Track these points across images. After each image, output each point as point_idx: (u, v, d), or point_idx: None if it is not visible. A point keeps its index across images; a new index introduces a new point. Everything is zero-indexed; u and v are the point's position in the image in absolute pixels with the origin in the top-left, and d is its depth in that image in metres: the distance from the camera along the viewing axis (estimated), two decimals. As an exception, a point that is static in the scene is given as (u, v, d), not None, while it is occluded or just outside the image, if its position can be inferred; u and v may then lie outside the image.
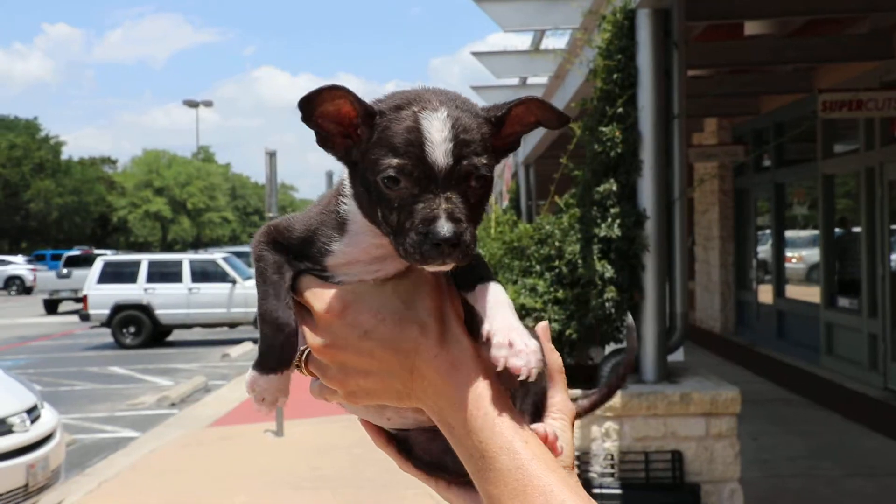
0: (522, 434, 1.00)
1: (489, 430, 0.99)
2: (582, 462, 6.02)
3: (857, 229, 13.24)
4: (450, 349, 1.02)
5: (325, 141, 1.05)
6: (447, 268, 1.00)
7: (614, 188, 6.22)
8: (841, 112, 11.06)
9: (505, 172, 19.44)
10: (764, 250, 17.50)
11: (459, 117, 1.01)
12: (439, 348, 1.02)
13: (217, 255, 23.76)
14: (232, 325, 22.82)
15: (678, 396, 6.03)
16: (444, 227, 0.96)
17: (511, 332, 1.00)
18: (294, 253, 1.10)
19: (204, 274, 22.57)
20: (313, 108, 1.02)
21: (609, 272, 6.16)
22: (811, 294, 15.12)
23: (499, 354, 0.99)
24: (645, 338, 6.30)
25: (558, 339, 6.18)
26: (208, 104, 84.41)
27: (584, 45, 7.95)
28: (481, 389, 1.02)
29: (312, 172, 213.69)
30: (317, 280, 1.08)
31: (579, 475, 6.01)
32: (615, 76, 6.25)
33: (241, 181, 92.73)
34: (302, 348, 1.12)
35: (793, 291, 16.20)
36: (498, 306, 1.01)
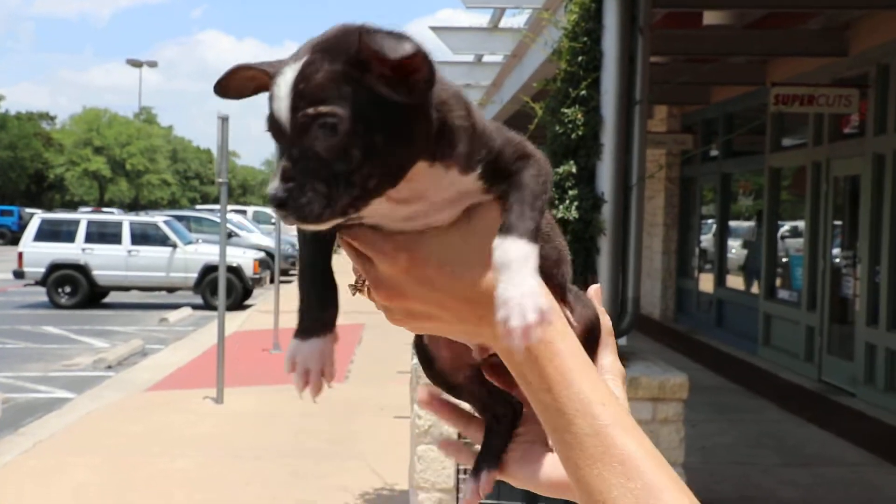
0: (600, 394, 0.96)
1: (566, 390, 0.95)
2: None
3: (800, 223, 13.45)
4: None
5: None
6: (315, 227, 0.92)
7: (573, 170, 6.22)
8: (792, 106, 11.21)
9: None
10: (707, 239, 17.73)
11: (311, 63, 0.90)
12: None
13: (159, 218, 23.42)
14: (171, 290, 22.55)
15: (627, 380, 6.06)
16: (271, 187, 0.90)
17: (507, 303, 0.90)
18: None
19: (144, 236, 22.26)
20: (226, 87, 0.98)
21: (564, 254, 6.16)
22: (751, 284, 15.38)
23: (499, 316, 0.90)
24: (597, 321, 6.31)
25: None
26: (153, 65, 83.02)
27: (547, 24, 7.92)
28: (557, 344, 0.97)
29: (254, 139, 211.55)
30: (373, 230, 1.00)
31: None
32: (580, 58, 6.24)
33: (182, 144, 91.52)
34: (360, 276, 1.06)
35: (733, 281, 16.44)
36: (505, 266, 0.91)
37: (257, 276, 22.63)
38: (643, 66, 6.37)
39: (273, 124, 0.92)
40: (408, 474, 7.05)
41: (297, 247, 1.05)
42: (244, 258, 22.34)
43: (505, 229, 0.94)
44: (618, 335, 6.42)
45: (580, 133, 6.16)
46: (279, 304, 14.86)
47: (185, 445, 8.99)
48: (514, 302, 0.90)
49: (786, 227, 14.78)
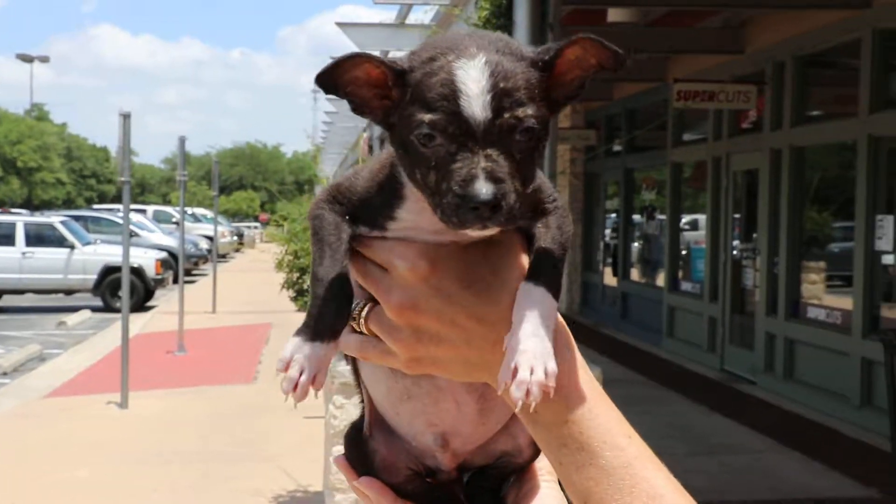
0: (624, 427, 0.95)
1: (590, 421, 0.93)
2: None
3: (701, 217, 13.73)
4: None
5: (360, 108, 0.98)
6: (489, 233, 0.92)
7: (485, 166, 6.24)
8: (694, 102, 11.43)
9: (363, 145, 19.36)
10: (611, 233, 18.00)
11: (500, 63, 0.92)
12: None
13: (55, 219, 22.76)
14: (69, 292, 21.94)
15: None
16: (483, 189, 0.88)
17: (521, 354, 0.91)
18: (353, 215, 1.01)
19: (39, 237, 21.60)
20: (336, 80, 0.95)
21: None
22: (655, 277, 15.66)
23: (501, 378, 0.92)
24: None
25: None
26: (44, 59, 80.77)
27: (456, 20, 7.93)
28: (577, 372, 0.96)
29: (152, 136, 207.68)
30: (394, 238, 1.00)
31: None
32: (490, 55, 6.26)
33: (77, 142, 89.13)
34: (359, 302, 1.02)
35: (637, 274, 16.72)
36: (525, 318, 0.92)
37: (159, 277, 22.19)
38: (553, 62, 6.41)
39: (455, 119, 0.89)
40: (322, 475, 6.97)
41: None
42: (145, 258, 21.87)
43: (535, 276, 0.95)
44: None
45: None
46: (184, 306, 14.58)
47: (88, 453, 8.74)
48: (529, 355, 0.90)
49: (685, 220, 15.10)
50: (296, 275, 6.51)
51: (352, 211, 1.01)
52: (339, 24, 11.40)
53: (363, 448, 1.10)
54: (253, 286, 26.38)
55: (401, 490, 1.08)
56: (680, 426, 9.71)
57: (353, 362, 1.12)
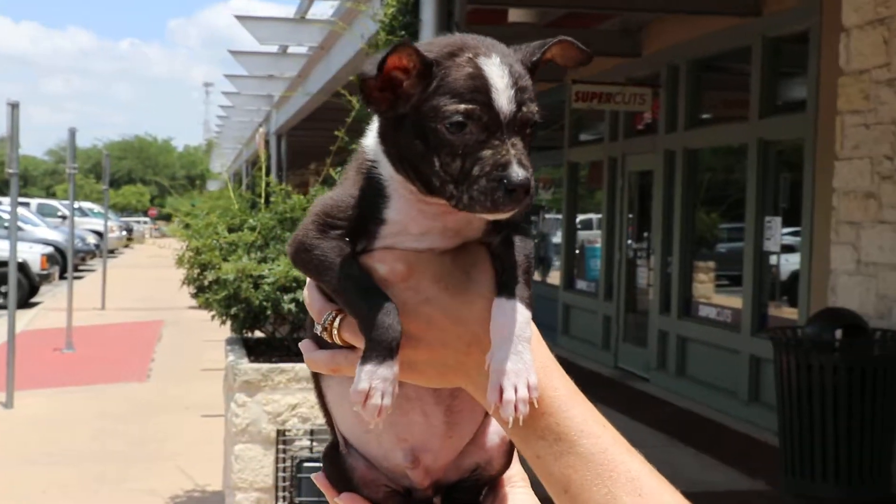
0: (598, 416, 0.97)
1: (566, 412, 0.96)
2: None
3: (598, 216, 13.98)
4: None
5: (369, 98, 1.00)
6: (507, 214, 0.97)
7: (391, 164, 6.23)
8: (591, 103, 11.64)
9: (259, 140, 19.11)
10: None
11: (512, 63, 1.00)
12: None
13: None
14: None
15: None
16: (519, 172, 0.94)
17: (504, 375, 0.95)
18: (349, 232, 1.02)
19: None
20: (384, 68, 0.98)
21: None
22: (551, 276, 15.86)
23: (489, 399, 0.96)
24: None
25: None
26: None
27: (358, 15, 7.91)
28: (551, 367, 0.99)
29: (34, 127, 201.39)
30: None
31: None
32: (397, 52, 6.25)
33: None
34: (330, 313, 1.02)
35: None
36: (503, 337, 0.97)
37: (45, 273, 21.53)
38: (458, 61, 6.44)
39: (488, 110, 0.96)
40: (222, 474, 6.87)
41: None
42: (30, 253, 21.18)
43: (507, 290, 0.99)
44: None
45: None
46: (72, 302, 14.18)
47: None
48: (512, 374, 0.95)
49: (579, 218, 15.35)
50: (196, 271, 6.39)
51: (348, 228, 1.02)
52: (239, 18, 11.23)
53: (342, 465, 1.10)
54: (144, 282, 25.83)
55: None
56: (576, 422, 9.86)
57: (318, 387, 1.11)
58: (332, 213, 1.02)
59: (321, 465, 1.13)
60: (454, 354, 0.99)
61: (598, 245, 13.97)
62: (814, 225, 8.63)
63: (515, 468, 1.13)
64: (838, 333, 7.09)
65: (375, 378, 0.95)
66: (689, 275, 11.41)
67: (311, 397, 5.86)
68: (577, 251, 15.00)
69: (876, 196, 7.68)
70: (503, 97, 0.97)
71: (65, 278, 17.62)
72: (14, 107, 9.74)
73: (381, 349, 0.96)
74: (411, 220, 1.01)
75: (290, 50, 13.44)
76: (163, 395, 10.84)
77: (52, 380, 11.94)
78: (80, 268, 28.64)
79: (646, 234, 12.58)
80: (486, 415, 1.07)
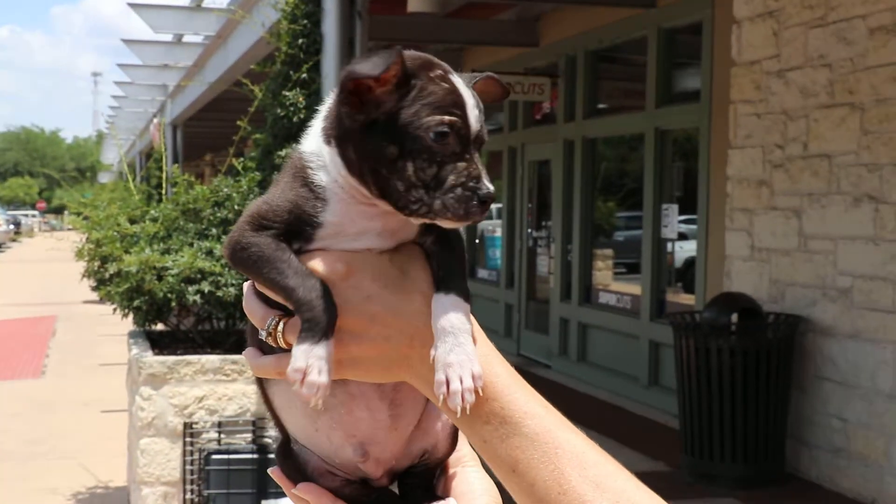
0: (538, 397, 1.01)
1: (508, 395, 0.99)
2: (258, 427, 5.96)
3: (498, 205, 14.12)
4: None
5: (362, 98, 1.03)
6: (471, 223, 1.02)
7: (295, 154, 6.19)
8: (490, 93, 11.69)
9: (153, 131, 18.74)
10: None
11: (469, 85, 1.06)
12: None
13: None
14: None
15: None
16: (489, 185, 1.01)
17: (449, 367, 0.99)
18: (284, 234, 1.03)
19: None
20: (387, 71, 1.01)
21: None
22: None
23: (437, 392, 0.99)
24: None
25: (235, 304, 6.07)
26: None
27: (256, 2, 7.83)
28: (491, 355, 1.02)
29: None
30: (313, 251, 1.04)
31: (254, 440, 5.95)
32: (300, 41, 6.22)
33: None
34: (272, 318, 1.04)
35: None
36: (444, 330, 1.00)
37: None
38: (362, 49, 6.43)
39: (464, 125, 1.01)
40: (126, 469, 6.76)
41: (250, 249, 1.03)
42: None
43: (444, 286, 1.03)
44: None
45: (301, 116, 6.14)
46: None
47: None
48: (456, 366, 0.98)
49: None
50: (97, 263, 6.26)
51: (282, 229, 1.04)
52: (132, 5, 10.98)
53: (295, 460, 1.12)
54: (34, 277, 25.14)
55: (339, 493, 1.11)
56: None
57: (264, 393, 1.13)
58: (266, 216, 1.04)
59: (275, 459, 1.15)
60: (397, 348, 1.02)
61: (499, 234, 14.10)
62: (709, 212, 8.87)
63: (465, 449, 1.16)
64: (734, 317, 7.33)
65: (311, 356, 0.98)
66: (590, 262, 11.61)
67: (219, 389, 5.81)
68: (478, 240, 15.12)
69: (768, 183, 7.94)
70: (472, 115, 1.02)
71: (-48, 274, 17.04)
72: None
73: (315, 329, 0.98)
74: (349, 222, 1.04)
75: (186, 39, 13.21)
76: (59, 392, 10.58)
77: (-58, 378, 11.54)
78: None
79: (545, 223, 12.74)
80: (428, 401, 1.10)
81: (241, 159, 6.61)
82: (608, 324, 10.97)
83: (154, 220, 6.32)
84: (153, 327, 6.63)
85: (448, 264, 1.05)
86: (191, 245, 6.04)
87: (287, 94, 6.11)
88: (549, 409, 1.01)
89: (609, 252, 11.91)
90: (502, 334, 13.56)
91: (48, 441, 8.62)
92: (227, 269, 5.99)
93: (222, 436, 5.78)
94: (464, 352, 0.99)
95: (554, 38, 11.93)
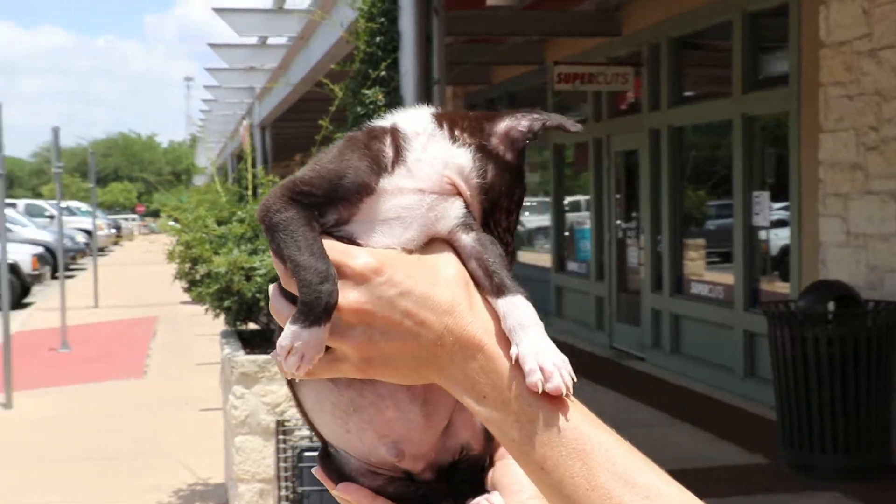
0: (565, 397, 1.00)
1: (533, 394, 0.98)
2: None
3: (585, 197, 14.02)
4: (480, 316, 1.00)
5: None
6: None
7: (378, 152, 6.23)
8: (573, 84, 11.64)
9: (243, 133, 19.06)
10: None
11: None
12: (472, 315, 1.00)
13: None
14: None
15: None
16: None
17: (539, 354, 0.97)
18: (319, 206, 1.01)
19: None
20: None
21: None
22: (542, 258, 15.89)
23: (534, 380, 0.97)
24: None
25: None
26: None
27: (335, 4, 7.89)
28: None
29: (16, 128, 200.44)
30: (343, 242, 1.02)
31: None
32: (378, 39, 6.25)
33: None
34: None
35: (524, 256, 16.94)
36: (523, 327, 0.99)
37: (36, 273, 21.48)
38: (439, 46, 6.44)
39: None
40: (224, 467, 6.90)
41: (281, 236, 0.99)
42: (20, 254, 21.13)
43: (507, 289, 1.01)
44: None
45: (381, 114, 6.15)
46: (65, 301, 14.17)
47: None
48: (545, 353, 0.97)
49: (567, 201, 15.36)
50: (188, 265, 6.40)
51: (318, 199, 1.01)
52: (216, 10, 11.18)
53: (336, 459, 1.12)
54: (135, 279, 25.81)
55: (384, 492, 1.10)
56: (572, 403, 9.89)
57: (295, 396, 1.13)
58: (299, 183, 1.02)
59: (317, 459, 1.15)
60: (427, 347, 1.00)
61: (588, 226, 13.99)
62: (801, 198, 8.67)
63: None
64: (831, 305, 7.14)
65: (298, 339, 0.97)
66: (680, 252, 11.45)
67: (309, 388, 5.88)
68: (567, 233, 15.03)
69: (862, 167, 7.72)
70: None
71: (56, 278, 17.58)
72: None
73: (310, 313, 0.97)
74: (398, 196, 1.03)
75: (270, 41, 13.40)
76: (160, 391, 10.86)
77: (50, 379, 11.94)
78: (71, 267, 28.58)
79: (634, 214, 12.60)
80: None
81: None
82: (701, 314, 10.81)
83: (241, 221, 6.42)
84: (245, 327, 6.74)
85: (498, 265, 1.03)
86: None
87: (366, 92, 6.14)
88: (576, 404, 1.00)
89: (700, 241, 11.72)
90: (594, 327, 13.46)
91: (151, 439, 8.84)
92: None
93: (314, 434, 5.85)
94: (548, 343, 0.99)
95: (636, 26, 11.78)
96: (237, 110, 19.96)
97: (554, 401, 0.98)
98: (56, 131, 13.82)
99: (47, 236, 25.35)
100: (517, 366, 1.00)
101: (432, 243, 1.05)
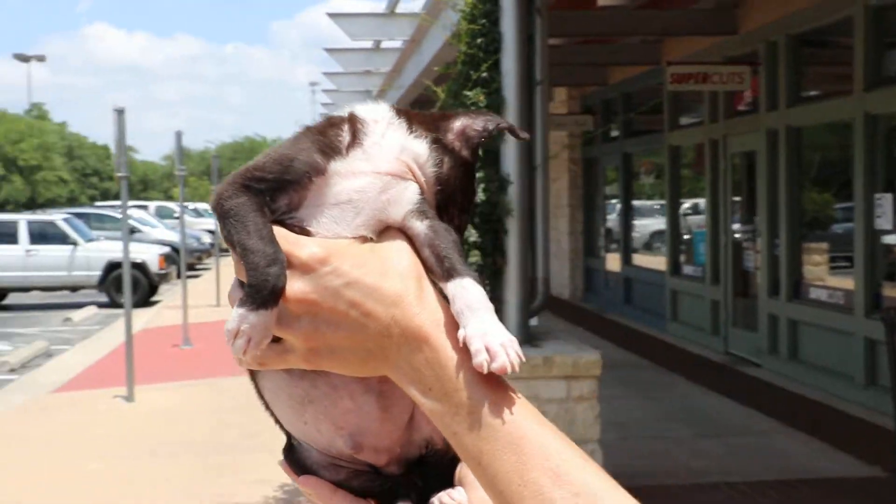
0: (507, 390, 0.99)
1: (476, 386, 0.97)
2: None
3: (698, 200, 13.76)
4: (429, 308, 1.00)
5: None
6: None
7: (478, 152, 6.24)
8: (688, 84, 11.43)
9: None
10: (612, 219, 17.98)
11: None
12: (420, 306, 0.99)
13: (57, 216, 22.84)
14: (74, 289, 22.01)
15: (541, 360, 6.12)
16: None
17: (486, 336, 0.97)
18: (271, 192, 1.01)
19: (43, 235, 21.70)
20: None
21: (473, 236, 6.19)
22: (657, 262, 15.65)
23: (479, 360, 0.96)
24: (508, 302, 6.36)
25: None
26: (41, 59, 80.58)
27: (444, 7, 7.94)
28: (460, 349, 1.00)
29: (152, 133, 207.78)
30: (289, 230, 1.02)
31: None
32: (479, 40, 6.26)
33: (78, 141, 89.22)
34: None
35: (639, 259, 16.73)
36: (471, 309, 0.98)
37: (163, 272, 22.23)
38: (542, 46, 6.42)
39: None
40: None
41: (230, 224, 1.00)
42: (149, 254, 21.92)
43: (457, 272, 1.00)
44: (529, 316, 6.49)
45: (483, 116, 6.18)
46: (187, 300, 14.62)
47: (98, 446, 8.80)
48: (491, 334, 0.97)
49: (687, 204, 15.08)
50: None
51: (269, 186, 1.01)
52: (330, 15, 11.39)
53: (299, 452, 1.12)
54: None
55: (347, 485, 1.10)
56: (685, 409, 9.73)
57: (256, 387, 1.13)
58: (251, 170, 1.03)
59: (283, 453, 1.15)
60: (374, 339, 0.99)
61: (704, 229, 13.73)
62: (925, 200, 8.32)
63: None
64: (951, 311, 6.83)
65: (245, 322, 0.97)
66: (798, 256, 11.12)
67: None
68: (686, 236, 14.77)
69: None
70: None
71: (181, 277, 18.11)
72: (120, 113, 10.07)
73: (256, 296, 0.97)
74: (373, 171, 1.03)
75: (384, 44, 13.57)
76: (273, 389, 11.09)
77: (171, 374, 12.34)
78: (197, 266, 29.46)
79: (752, 217, 12.29)
80: None
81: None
82: (820, 320, 10.47)
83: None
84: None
85: (451, 252, 1.02)
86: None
87: (467, 93, 6.16)
88: (518, 399, 0.99)
89: (819, 245, 11.36)
90: (709, 331, 13.19)
91: (261, 435, 9.02)
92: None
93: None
94: (496, 324, 0.98)
95: (753, 24, 11.49)
96: (356, 114, 20.28)
97: (495, 394, 0.97)
98: (179, 135, 14.26)
99: (175, 237, 26.19)
100: (462, 358, 0.99)
101: (388, 233, 1.04)
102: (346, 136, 1.04)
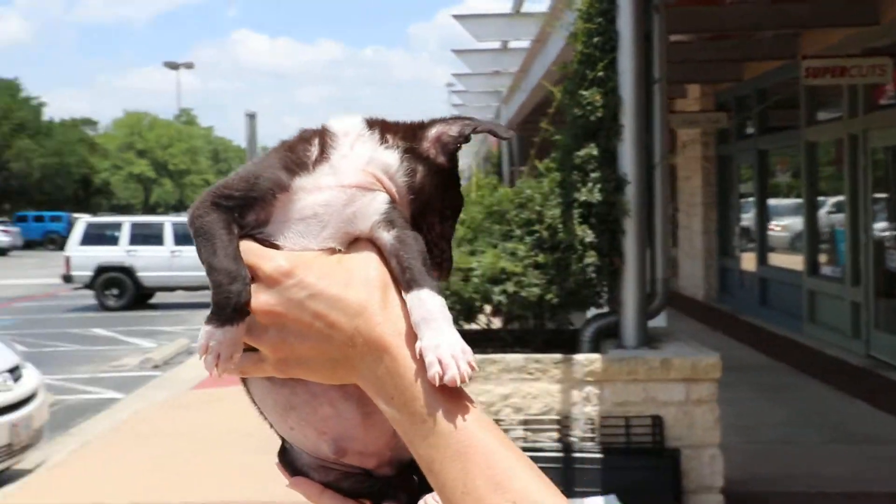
0: (462, 400, 1.00)
1: (430, 396, 0.99)
2: (562, 426, 6.03)
3: (840, 198, 13.27)
4: (392, 318, 1.01)
5: None
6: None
7: (594, 152, 6.18)
8: (824, 79, 11.05)
9: (489, 137, 19.36)
10: (747, 217, 17.52)
11: None
12: (383, 316, 1.01)
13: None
14: (216, 289, 22.76)
15: (658, 362, 6.03)
16: None
17: (438, 348, 0.98)
18: (239, 208, 1.05)
19: (187, 237, 22.50)
20: None
21: (589, 237, 6.14)
22: (794, 262, 15.16)
23: (432, 373, 0.98)
24: (625, 303, 6.28)
25: (539, 304, 6.16)
26: (189, 66, 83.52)
27: (564, 7, 7.89)
28: (419, 359, 1.02)
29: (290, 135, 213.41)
30: (259, 244, 1.05)
31: (560, 439, 6.02)
32: (595, 39, 6.20)
33: (223, 144, 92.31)
34: None
35: (776, 259, 16.25)
36: (426, 321, 1.00)
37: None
38: (660, 44, 6.31)
39: None
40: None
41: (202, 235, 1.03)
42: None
43: (416, 283, 1.02)
44: (648, 317, 6.40)
45: (599, 115, 6.12)
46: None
47: (236, 440, 9.03)
48: (445, 346, 0.98)
49: (829, 202, 14.55)
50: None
51: (237, 203, 1.04)
52: (456, 17, 11.46)
53: (291, 454, 1.15)
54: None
55: (337, 487, 1.12)
56: (819, 414, 9.40)
57: (249, 393, 1.16)
58: (220, 188, 1.05)
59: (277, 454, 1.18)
60: (338, 349, 1.01)
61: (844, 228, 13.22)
62: None
63: None
64: None
65: (212, 339, 1.00)
66: (943, 256, 10.61)
67: (524, 387, 5.92)
68: (826, 235, 14.25)
69: None
70: None
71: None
72: (251, 117, 10.37)
73: (220, 313, 1.00)
74: (336, 186, 1.04)
75: (511, 45, 13.57)
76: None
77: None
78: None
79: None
80: None
81: (545, 161, 6.70)
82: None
83: (461, 223, 6.55)
84: (465, 326, 6.86)
85: (414, 262, 1.03)
86: (494, 246, 6.20)
87: (583, 93, 6.11)
88: (472, 409, 0.99)
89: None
90: (849, 334, 12.70)
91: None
92: (528, 269, 6.10)
93: (528, 433, 5.89)
94: (450, 335, 0.99)
95: (895, 13, 11.01)
96: (485, 114, 20.38)
97: (448, 403, 0.98)
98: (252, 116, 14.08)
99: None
100: (420, 368, 0.99)
101: (358, 244, 1.05)
102: (314, 150, 1.06)
